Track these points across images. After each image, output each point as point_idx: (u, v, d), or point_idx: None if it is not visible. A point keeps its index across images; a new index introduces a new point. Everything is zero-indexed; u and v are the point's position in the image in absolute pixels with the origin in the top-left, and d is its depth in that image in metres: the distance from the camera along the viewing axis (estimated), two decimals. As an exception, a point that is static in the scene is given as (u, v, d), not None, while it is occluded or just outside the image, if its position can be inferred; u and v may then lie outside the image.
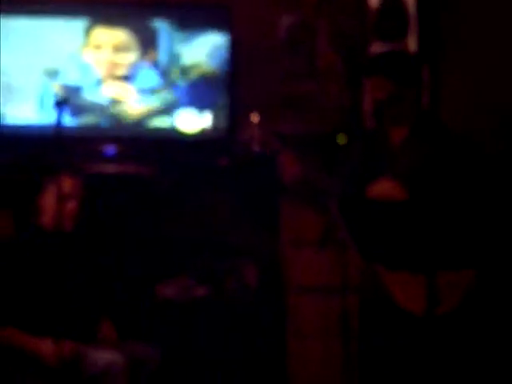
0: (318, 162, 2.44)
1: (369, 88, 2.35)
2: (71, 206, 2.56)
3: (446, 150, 2.25)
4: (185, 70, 3.17)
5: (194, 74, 3.18)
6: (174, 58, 3.17)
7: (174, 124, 3.16)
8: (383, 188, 2.21)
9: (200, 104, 3.18)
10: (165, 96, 3.17)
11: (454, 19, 3.09)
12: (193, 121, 3.17)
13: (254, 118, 2.39)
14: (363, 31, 3.08)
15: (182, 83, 3.17)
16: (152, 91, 3.16)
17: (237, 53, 3.20)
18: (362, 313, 2.37)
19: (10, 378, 2.46)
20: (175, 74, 3.17)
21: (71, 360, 2.35)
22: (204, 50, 3.18)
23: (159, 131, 3.19)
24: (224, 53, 3.17)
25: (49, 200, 2.54)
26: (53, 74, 3.10)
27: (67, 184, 2.54)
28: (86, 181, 2.66)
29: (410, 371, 2.29)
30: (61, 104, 2.28)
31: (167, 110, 3.17)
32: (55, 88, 3.09)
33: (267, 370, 3.02)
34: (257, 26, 3.36)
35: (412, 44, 2.96)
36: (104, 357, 2.43)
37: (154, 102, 3.16)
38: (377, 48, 2.98)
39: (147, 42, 3.15)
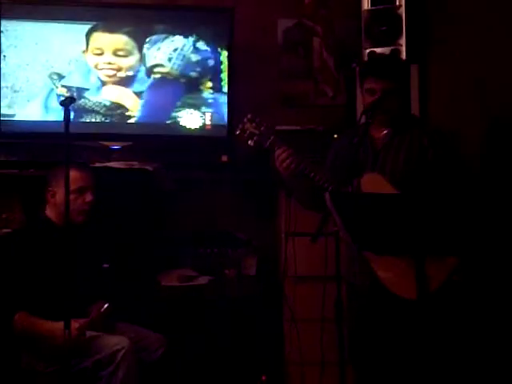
0: (314, 157, 2.46)
1: (364, 88, 2.39)
2: (88, 197, 2.65)
3: (428, 148, 2.34)
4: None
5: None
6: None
7: (176, 122, 3.24)
8: (373, 183, 2.28)
9: (200, 103, 3.26)
10: (166, 96, 3.26)
11: (442, 19, 3.13)
12: (194, 119, 3.26)
13: (248, 114, 2.42)
14: (357, 34, 3.14)
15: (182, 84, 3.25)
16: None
17: (236, 53, 3.27)
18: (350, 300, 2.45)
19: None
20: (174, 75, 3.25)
21: (80, 342, 2.43)
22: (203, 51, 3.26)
23: (163, 128, 3.26)
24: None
25: (61, 193, 2.52)
26: (57, 76, 3.15)
27: (81, 177, 2.62)
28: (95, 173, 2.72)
29: (399, 355, 2.39)
30: (67, 102, 2.29)
31: (169, 109, 3.26)
32: (60, 90, 3.16)
33: (265, 354, 3.09)
34: (255, 27, 3.45)
35: (403, 45, 3.02)
36: (110, 342, 2.48)
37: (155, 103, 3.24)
38: (369, 50, 3.05)
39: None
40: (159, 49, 3.24)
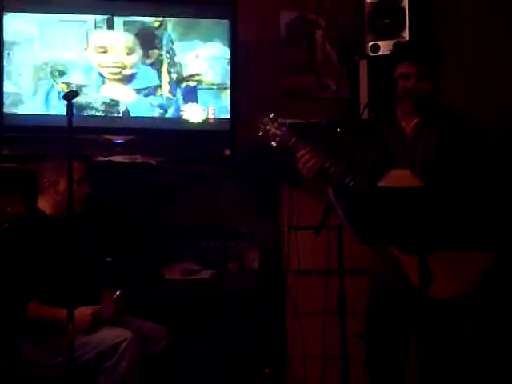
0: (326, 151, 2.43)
1: (397, 73, 2.31)
2: (87, 189, 2.69)
3: (458, 138, 2.28)
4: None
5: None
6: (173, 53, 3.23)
7: (179, 115, 3.23)
8: (397, 177, 2.23)
9: (203, 98, 3.25)
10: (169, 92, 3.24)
11: (447, 7, 3.14)
12: (197, 113, 3.25)
13: (270, 114, 2.41)
14: (360, 27, 3.13)
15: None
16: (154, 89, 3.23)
17: (239, 47, 3.25)
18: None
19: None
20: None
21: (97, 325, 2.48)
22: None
23: (166, 122, 3.24)
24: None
25: (65, 183, 2.52)
26: (57, 73, 3.15)
27: (79, 168, 2.64)
28: (91, 166, 2.74)
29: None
30: (70, 95, 2.29)
31: (171, 103, 3.24)
32: (60, 86, 3.14)
33: (268, 347, 3.10)
34: (259, 20, 3.44)
35: (406, 37, 3.00)
36: (113, 334, 2.51)
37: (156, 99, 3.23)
38: (372, 43, 3.04)
39: (149, 43, 3.20)
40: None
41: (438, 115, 2.35)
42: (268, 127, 2.39)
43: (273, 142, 2.39)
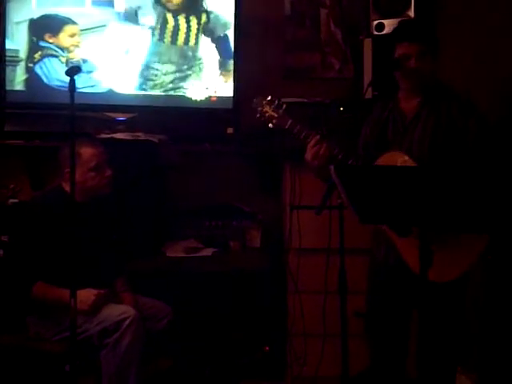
0: (320, 130, 2.42)
1: (397, 54, 2.29)
2: (108, 172, 2.68)
3: (457, 118, 2.27)
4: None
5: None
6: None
7: (183, 93, 3.23)
8: (393, 160, 2.22)
9: (206, 75, 3.24)
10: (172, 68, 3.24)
11: None
12: (199, 91, 3.24)
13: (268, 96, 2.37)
14: (365, 5, 3.11)
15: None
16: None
17: (243, 25, 3.24)
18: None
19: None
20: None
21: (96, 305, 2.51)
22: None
23: (168, 100, 3.24)
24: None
25: (80, 172, 2.56)
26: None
27: (96, 153, 2.64)
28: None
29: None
30: (73, 71, 2.25)
31: (176, 80, 3.24)
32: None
33: (268, 326, 3.12)
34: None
35: (412, 16, 2.98)
36: (116, 311, 2.52)
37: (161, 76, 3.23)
38: (377, 22, 3.01)
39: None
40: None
41: (439, 95, 2.33)
42: (265, 109, 2.38)
43: (270, 124, 2.38)
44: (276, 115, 2.37)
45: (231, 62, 3.24)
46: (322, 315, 2.89)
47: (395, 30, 2.43)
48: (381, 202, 1.87)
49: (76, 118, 2.25)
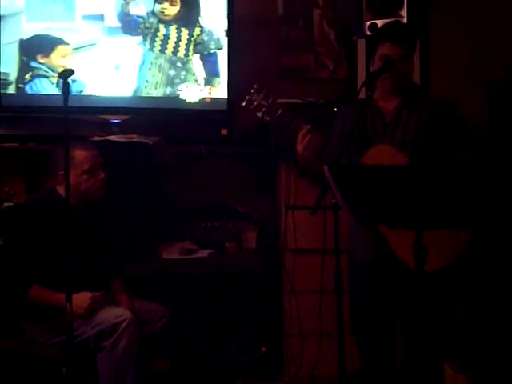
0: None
1: (378, 54, 2.32)
2: (101, 175, 2.67)
3: (436, 120, 2.31)
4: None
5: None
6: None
7: (177, 95, 3.23)
8: (383, 154, 2.25)
9: (201, 76, 3.25)
10: (166, 69, 3.23)
11: None
12: (194, 92, 3.25)
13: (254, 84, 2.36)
14: (358, 5, 3.10)
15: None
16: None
17: (236, 26, 3.25)
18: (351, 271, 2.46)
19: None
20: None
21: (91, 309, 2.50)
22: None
23: (162, 102, 3.24)
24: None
25: (73, 175, 2.54)
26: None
27: (89, 156, 2.63)
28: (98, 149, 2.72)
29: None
30: (66, 74, 2.23)
31: (170, 82, 3.24)
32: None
33: (265, 326, 3.12)
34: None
35: (404, 16, 2.99)
36: (113, 314, 2.52)
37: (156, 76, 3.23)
38: (370, 22, 3.02)
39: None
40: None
41: (416, 97, 2.37)
42: (254, 97, 2.36)
43: (258, 113, 2.35)
44: (266, 103, 2.35)
45: (217, 79, 3.24)
46: (319, 315, 2.90)
47: (379, 31, 2.45)
48: (375, 201, 1.87)
49: (70, 120, 2.24)
